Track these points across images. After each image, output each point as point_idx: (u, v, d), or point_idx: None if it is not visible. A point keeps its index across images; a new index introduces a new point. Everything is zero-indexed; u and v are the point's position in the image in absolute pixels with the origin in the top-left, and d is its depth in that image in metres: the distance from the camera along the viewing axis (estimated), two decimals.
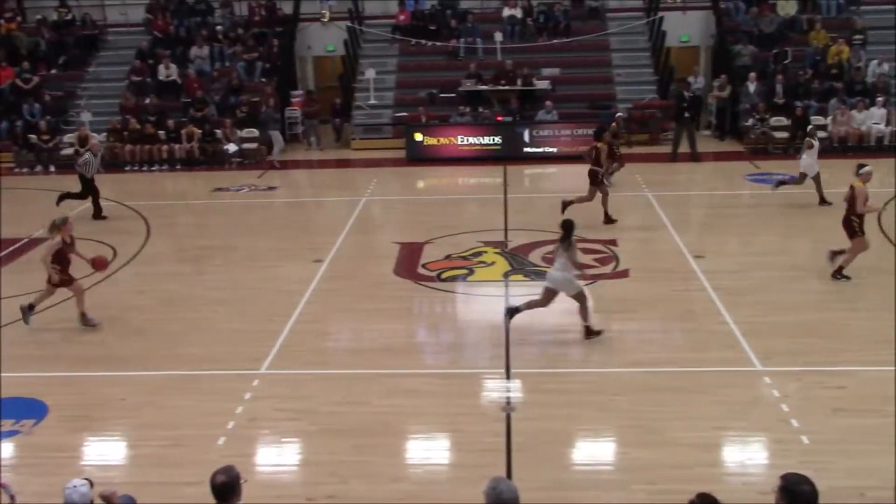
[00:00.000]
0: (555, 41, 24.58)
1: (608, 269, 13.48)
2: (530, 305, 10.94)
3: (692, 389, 9.44)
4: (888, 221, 15.24)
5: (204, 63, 24.87)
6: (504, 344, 10.74)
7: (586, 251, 14.19)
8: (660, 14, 24.80)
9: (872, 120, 21.30)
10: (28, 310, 11.50)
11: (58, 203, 17.23)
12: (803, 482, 4.81)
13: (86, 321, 11.51)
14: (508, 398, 9.38)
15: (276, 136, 22.66)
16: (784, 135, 21.48)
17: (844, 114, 21.32)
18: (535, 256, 14.05)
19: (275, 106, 23.72)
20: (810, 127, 18.22)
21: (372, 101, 24.25)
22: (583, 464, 8.29)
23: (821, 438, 8.37)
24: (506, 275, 13.39)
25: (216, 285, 13.21)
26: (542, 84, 23.47)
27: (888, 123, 21.20)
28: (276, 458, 8.44)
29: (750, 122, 21.90)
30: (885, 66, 22.50)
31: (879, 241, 14.42)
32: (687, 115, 21.05)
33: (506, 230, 15.70)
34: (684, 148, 21.01)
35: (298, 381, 9.91)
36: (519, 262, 13.89)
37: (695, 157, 20.72)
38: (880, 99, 21.51)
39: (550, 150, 21.75)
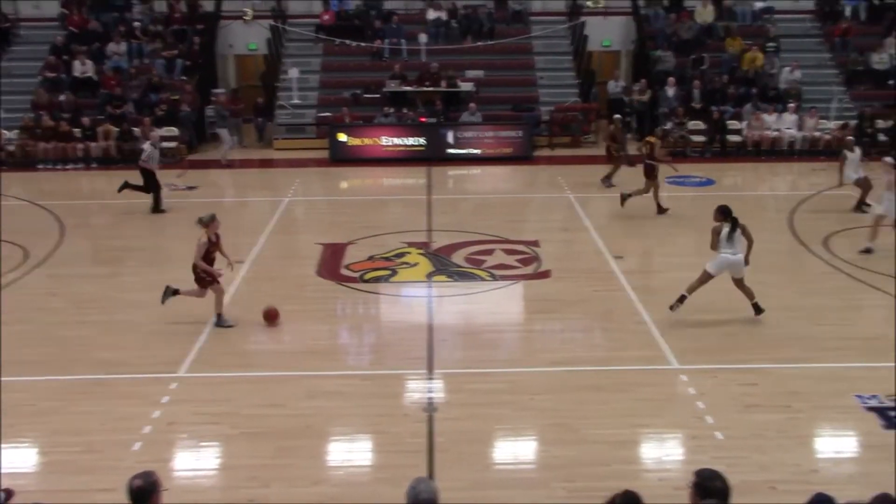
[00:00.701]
0: (479, 44, 24.73)
1: (530, 269, 13.61)
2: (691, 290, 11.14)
3: (611, 388, 9.59)
4: (800, 222, 15.77)
5: (121, 60, 24.29)
6: (426, 344, 10.75)
7: (509, 252, 14.35)
8: (582, 19, 25.18)
9: (785, 125, 21.98)
10: (170, 293, 11.43)
11: (119, 190, 17.15)
12: (716, 477, 4.93)
13: (221, 322, 11.28)
14: (430, 398, 9.40)
15: (224, 134, 22.14)
16: (701, 138, 22.03)
17: (758, 119, 21.96)
18: (458, 257, 14.11)
19: (193, 104, 23.31)
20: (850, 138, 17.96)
21: (295, 101, 24.03)
22: (504, 463, 8.35)
23: (734, 434, 8.59)
24: (429, 275, 13.41)
25: (133, 287, 12.90)
26: (466, 86, 23.59)
27: (800, 128, 21.91)
28: (195, 462, 8.28)
29: (669, 125, 22.36)
30: (797, 73, 23.25)
31: (790, 241, 14.91)
32: (627, 119, 21.37)
33: (429, 231, 15.72)
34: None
35: (219, 384, 9.75)
36: (442, 263, 13.92)
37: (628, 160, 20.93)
38: (792, 105, 22.21)
39: (474, 151, 21.87)
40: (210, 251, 11.19)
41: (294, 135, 23.42)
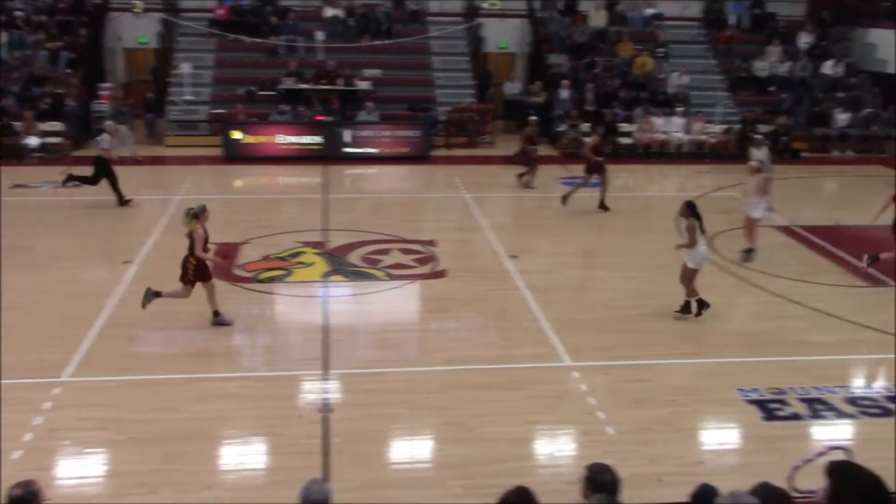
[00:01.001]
0: (376, 43, 24.67)
1: (426, 269, 13.65)
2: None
3: (505, 386, 9.70)
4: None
5: (1, 51, 23.22)
6: (322, 345, 10.65)
7: (405, 252, 14.36)
8: (478, 20, 25.41)
9: (673, 128, 22.68)
10: (151, 296, 11.12)
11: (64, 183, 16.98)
12: (606, 471, 5.04)
13: (220, 320, 11.10)
14: (326, 399, 9.31)
15: (124, 130, 21.27)
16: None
17: (648, 122, 22.60)
18: (354, 257, 14.02)
19: (79, 99, 22.48)
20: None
21: (187, 97, 23.44)
22: (400, 462, 8.34)
23: (624, 429, 8.80)
24: (325, 275, 13.29)
25: (13, 289, 12.32)
26: (363, 85, 23.49)
27: (687, 132, 22.64)
28: (80, 469, 7.97)
29: (563, 127, 22.79)
30: (685, 79, 24.02)
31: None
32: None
33: (325, 231, 15.58)
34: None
35: (105, 389, 9.42)
36: (338, 263, 13.82)
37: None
38: (680, 109, 22.94)
39: (371, 150, 21.80)
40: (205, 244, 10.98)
41: (186, 132, 22.86)
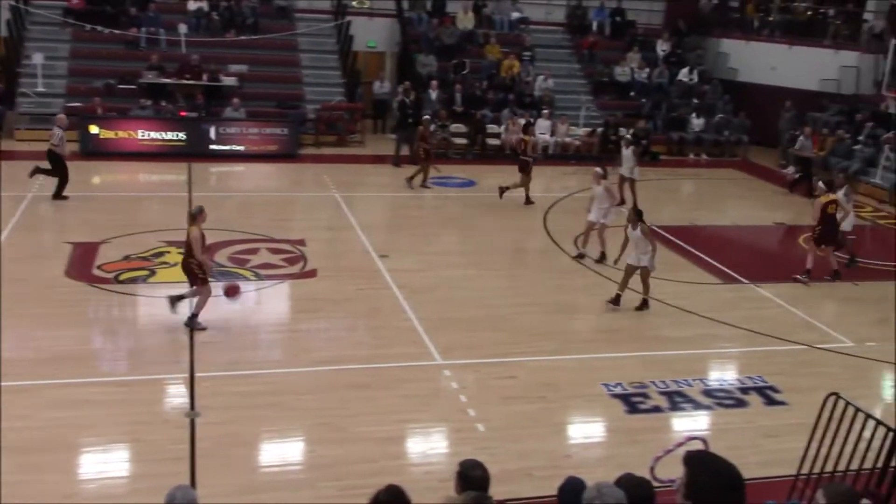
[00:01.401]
0: (242, 38, 24.13)
1: (296, 268, 13.46)
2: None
3: (377, 385, 9.68)
4: (553, 222, 16.68)
5: None
6: (188, 347, 10.34)
7: (274, 251, 14.13)
8: (347, 18, 25.23)
9: (539, 130, 23.17)
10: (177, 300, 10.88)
11: (31, 175, 16.69)
12: (476, 467, 5.09)
13: (194, 324, 10.79)
14: (192, 403, 9.04)
15: None
16: (463, 141, 22.76)
17: (515, 123, 22.99)
18: (221, 256, 13.67)
19: None
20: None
21: (40, 89, 22.28)
22: (270, 465, 8.20)
23: (494, 426, 8.94)
24: None
25: None
26: (228, 80, 22.93)
27: (552, 133, 23.19)
28: None
29: (432, 128, 22.89)
30: (550, 82, 24.60)
31: (544, 240, 15.73)
32: (410, 120, 21.59)
33: None
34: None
35: None
36: None
37: (396, 162, 21.14)
38: (546, 111, 23.47)
39: (238, 148, 21.30)
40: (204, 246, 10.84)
41: (39, 125, 21.64)
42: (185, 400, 9.11)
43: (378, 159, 21.96)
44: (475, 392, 9.70)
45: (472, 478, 5.04)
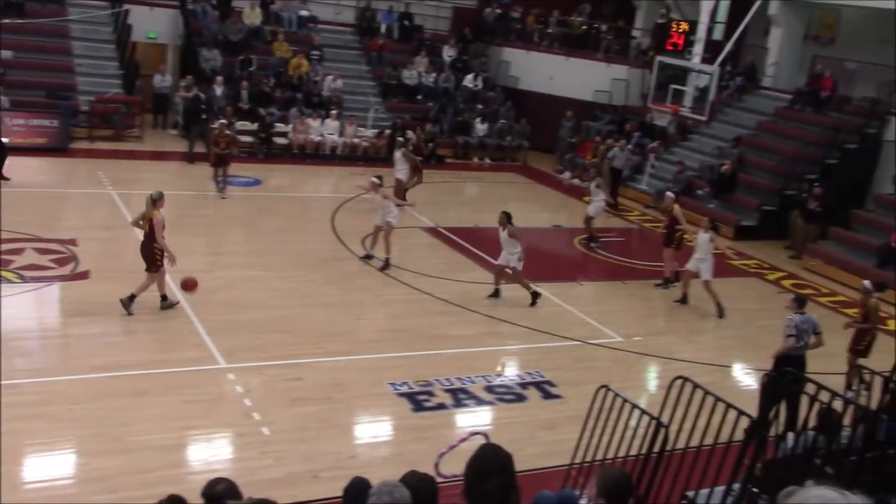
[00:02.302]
0: (6, 21, 22.33)
1: (66, 270, 12.63)
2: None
3: (156, 391, 9.28)
4: (341, 223, 16.67)
5: None
6: None
7: (42, 251, 13.20)
8: (125, 7, 23.97)
9: (328, 130, 23.09)
10: (130, 301, 11.12)
11: None
12: (218, 482, 4.79)
13: (167, 303, 11.36)
14: None
15: None
16: (249, 139, 22.22)
17: (303, 123, 22.79)
18: None
19: None
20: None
21: None
22: (37, 481, 7.64)
23: (280, 429, 8.81)
24: None
25: None
26: None
27: (341, 134, 23.16)
28: None
29: (217, 124, 22.20)
30: (339, 83, 24.55)
31: (332, 241, 15.69)
32: (204, 116, 20.68)
33: None
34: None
35: None
36: None
37: (191, 159, 20.29)
38: (334, 112, 23.41)
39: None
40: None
41: None
42: None
43: (158, 155, 21.06)
44: (260, 395, 9.51)
45: (214, 495, 4.75)
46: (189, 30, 24.44)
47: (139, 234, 11.72)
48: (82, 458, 7.99)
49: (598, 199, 17.42)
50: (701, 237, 14.06)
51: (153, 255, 11.19)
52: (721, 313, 13.98)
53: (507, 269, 13.28)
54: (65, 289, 12.02)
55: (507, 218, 13.07)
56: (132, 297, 11.18)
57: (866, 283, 11.60)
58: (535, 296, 13.34)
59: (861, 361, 10.61)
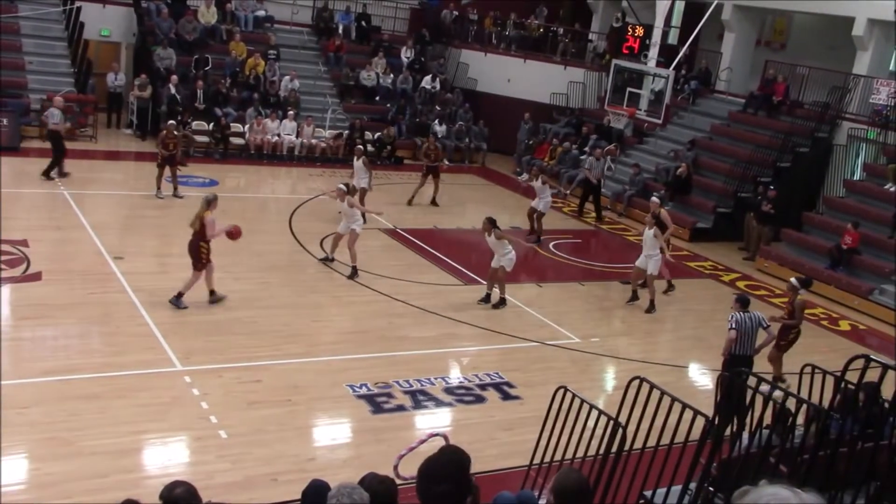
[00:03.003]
0: None
1: (18, 271, 12.37)
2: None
3: (110, 395, 9.13)
4: (299, 224, 16.56)
5: None
6: None
7: None
8: (77, 4, 23.58)
9: (285, 131, 22.93)
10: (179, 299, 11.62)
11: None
12: (176, 485, 4.72)
13: (215, 298, 11.94)
14: None
15: None
16: (205, 139, 21.99)
17: (260, 123, 22.60)
18: None
19: None
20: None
21: None
22: None
23: (238, 432, 8.72)
24: None
25: None
26: None
27: (298, 135, 23.02)
28: None
29: (166, 126, 21.92)
30: (297, 83, 24.39)
31: (290, 242, 15.58)
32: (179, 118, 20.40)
33: None
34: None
35: None
36: None
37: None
38: (291, 112, 23.25)
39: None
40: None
41: None
42: None
43: (112, 155, 20.76)
44: (218, 398, 9.41)
45: (172, 499, 4.71)
46: (143, 28, 24.14)
47: (187, 234, 12.01)
48: (34, 464, 7.83)
49: (546, 196, 17.71)
50: (646, 234, 14.30)
51: (199, 252, 11.69)
52: (651, 309, 14.20)
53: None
54: (16, 290, 11.77)
55: (490, 224, 13.13)
56: (180, 295, 11.62)
57: (793, 280, 11.90)
58: (502, 302, 13.37)
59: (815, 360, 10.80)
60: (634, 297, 14.52)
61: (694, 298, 15.49)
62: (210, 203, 11.80)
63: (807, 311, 12.16)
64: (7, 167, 18.65)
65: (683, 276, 16.49)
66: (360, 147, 19.21)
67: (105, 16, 24.36)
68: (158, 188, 17.30)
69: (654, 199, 15.97)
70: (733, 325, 10.10)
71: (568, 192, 20.82)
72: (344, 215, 14.21)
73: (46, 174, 17.46)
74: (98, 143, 21.30)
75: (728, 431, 6.97)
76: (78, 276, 12.55)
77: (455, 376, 10.91)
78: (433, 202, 19.71)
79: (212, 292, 11.98)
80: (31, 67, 22.17)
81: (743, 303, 10.40)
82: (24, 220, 15.03)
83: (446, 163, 19.63)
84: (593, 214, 20.62)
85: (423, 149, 20.97)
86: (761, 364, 10.40)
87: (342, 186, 14.49)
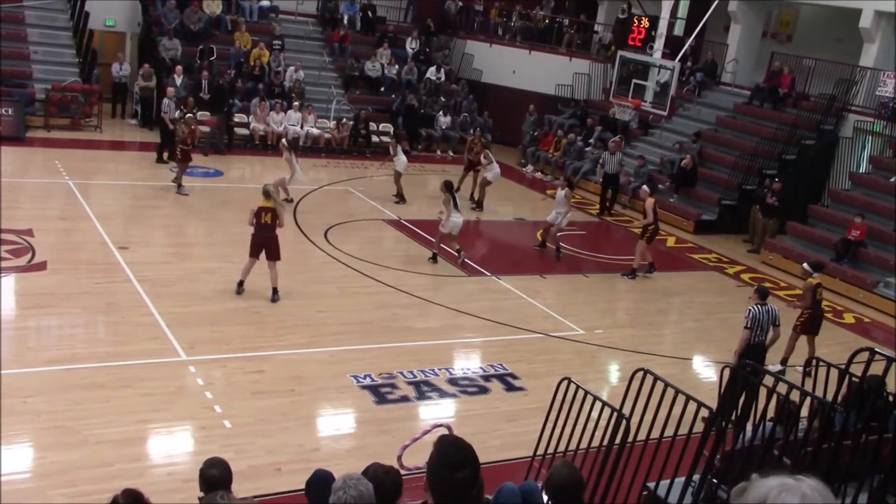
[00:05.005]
0: None
1: (23, 261, 12.40)
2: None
3: (115, 384, 9.15)
4: (303, 215, 16.57)
5: None
6: None
7: None
8: None
9: (289, 121, 22.91)
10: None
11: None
12: (213, 465, 4.97)
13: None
14: None
15: None
16: (207, 129, 21.95)
17: (263, 109, 22.58)
18: None
19: None
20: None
21: None
22: None
23: (242, 421, 8.74)
24: None
25: None
26: None
27: (302, 125, 22.99)
28: None
29: (177, 114, 21.93)
30: (301, 73, 24.36)
31: (295, 233, 15.59)
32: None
33: None
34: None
35: None
36: None
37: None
38: (296, 103, 23.22)
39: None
40: None
41: None
42: None
43: (117, 145, 20.77)
44: (222, 388, 9.43)
45: (208, 477, 4.90)
46: (148, 18, 24.12)
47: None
48: (39, 452, 7.86)
49: (494, 168, 18.95)
50: (559, 194, 16.00)
51: (276, 242, 12.02)
52: (558, 256, 15.79)
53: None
54: (21, 280, 11.80)
55: (445, 187, 14.46)
56: (275, 290, 12.07)
57: (805, 264, 12.16)
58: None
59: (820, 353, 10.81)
60: (542, 245, 16.23)
61: (698, 291, 15.48)
62: (269, 194, 12.01)
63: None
64: (12, 157, 18.68)
65: (688, 269, 16.48)
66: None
67: (110, 5, 24.33)
68: (181, 185, 17.19)
69: (644, 188, 16.79)
70: (748, 325, 10.03)
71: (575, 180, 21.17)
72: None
73: (159, 158, 18.99)
74: (103, 133, 21.29)
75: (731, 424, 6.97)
76: (83, 265, 12.57)
77: (459, 367, 10.92)
78: (472, 199, 19.42)
79: (240, 283, 12.16)
80: (35, 57, 22.16)
81: (762, 294, 10.40)
82: (29, 210, 15.06)
83: (484, 159, 19.50)
84: (591, 202, 20.58)
85: (468, 143, 20.93)
86: (773, 356, 10.37)
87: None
